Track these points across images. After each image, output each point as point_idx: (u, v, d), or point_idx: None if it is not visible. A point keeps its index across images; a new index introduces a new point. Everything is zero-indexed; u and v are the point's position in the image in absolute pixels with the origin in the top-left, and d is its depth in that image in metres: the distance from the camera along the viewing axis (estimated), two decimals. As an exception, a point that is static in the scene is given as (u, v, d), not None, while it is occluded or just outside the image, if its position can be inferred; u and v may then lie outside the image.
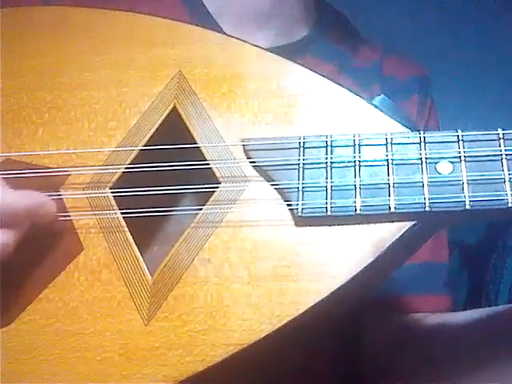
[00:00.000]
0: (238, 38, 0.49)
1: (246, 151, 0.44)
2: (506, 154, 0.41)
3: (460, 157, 0.41)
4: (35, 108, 0.49)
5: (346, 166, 0.42)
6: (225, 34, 0.52)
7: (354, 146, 0.43)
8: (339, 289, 0.40)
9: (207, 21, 0.62)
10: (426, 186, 0.41)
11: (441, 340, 0.55)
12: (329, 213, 0.41)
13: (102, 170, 0.46)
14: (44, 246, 0.44)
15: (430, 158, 0.42)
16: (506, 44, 1.22)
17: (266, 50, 0.49)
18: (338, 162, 0.43)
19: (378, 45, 0.70)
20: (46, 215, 0.44)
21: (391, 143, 0.43)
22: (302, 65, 0.47)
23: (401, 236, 0.41)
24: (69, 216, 0.45)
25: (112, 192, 0.45)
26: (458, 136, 0.42)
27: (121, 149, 0.46)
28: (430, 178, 0.41)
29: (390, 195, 0.41)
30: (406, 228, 0.41)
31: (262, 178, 0.44)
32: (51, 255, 0.44)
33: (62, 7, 0.53)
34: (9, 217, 0.41)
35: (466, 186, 0.40)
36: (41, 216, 0.43)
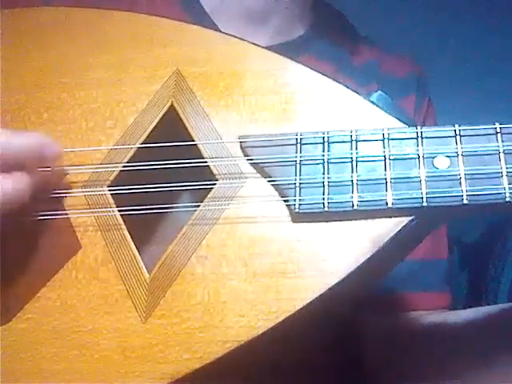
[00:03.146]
0: (235, 36, 0.49)
1: (242, 148, 0.44)
2: (504, 148, 0.41)
3: (457, 151, 0.41)
4: (34, 108, 0.49)
5: (343, 162, 0.42)
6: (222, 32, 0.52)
7: (351, 142, 0.43)
8: (337, 285, 0.40)
9: (204, 20, 0.62)
10: (423, 180, 0.41)
11: (442, 339, 0.55)
12: (326, 209, 0.41)
13: (100, 168, 0.46)
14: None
15: (428, 153, 0.41)
16: (506, 43, 1.22)
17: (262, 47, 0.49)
18: (335, 158, 0.43)
19: (375, 43, 0.70)
20: (52, 153, 0.43)
21: (388, 138, 0.42)
22: (299, 62, 0.47)
23: (398, 231, 0.41)
24: (66, 214, 0.45)
25: (110, 190, 0.45)
26: (455, 131, 0.42)
27: (118, 147, 0.46)
28: (428, 172, 0.41)
29: (387, 190, 0.41)
30: (404, 223, 0.41)
31: (259, 175, 0.44)
32: (49, 253, 0.44)
33: (61, 8, 0.53)
34: (18, 158, 0.40)
35: (463, 180, 0.40)
36: (47, 154, 0.42)
